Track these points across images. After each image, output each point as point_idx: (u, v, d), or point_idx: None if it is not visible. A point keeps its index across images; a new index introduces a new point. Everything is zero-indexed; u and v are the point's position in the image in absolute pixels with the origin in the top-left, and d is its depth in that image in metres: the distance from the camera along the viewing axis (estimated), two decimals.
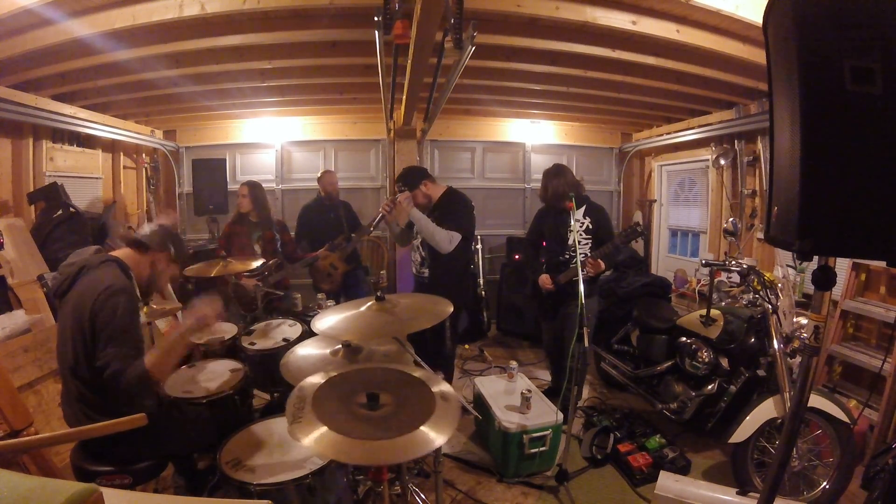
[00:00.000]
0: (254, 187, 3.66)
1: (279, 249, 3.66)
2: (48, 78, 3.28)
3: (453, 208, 2.95)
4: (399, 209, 2.90)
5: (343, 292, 4.01)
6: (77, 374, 1.61)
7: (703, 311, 2.87)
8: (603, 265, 2.85)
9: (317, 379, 1.49)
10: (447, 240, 2.82)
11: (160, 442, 1.70)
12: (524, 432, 2.50)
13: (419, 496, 2.15)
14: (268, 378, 2.46)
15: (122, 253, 1.82)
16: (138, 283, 1.81)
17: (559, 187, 2.99)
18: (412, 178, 2.97)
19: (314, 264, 3.79)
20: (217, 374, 2.18)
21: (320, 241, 3.96)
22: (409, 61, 2.35)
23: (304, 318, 2.91)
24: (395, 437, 1.25)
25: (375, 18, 1.98)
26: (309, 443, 1.21)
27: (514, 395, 2.77)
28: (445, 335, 2.98)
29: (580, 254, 2.44)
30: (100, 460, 1.63)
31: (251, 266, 2.96)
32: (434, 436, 1.27)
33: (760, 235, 4.01)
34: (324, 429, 1.24)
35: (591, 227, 3.01)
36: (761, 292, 2.59)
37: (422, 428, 1.28)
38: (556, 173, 3.06)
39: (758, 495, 1.53)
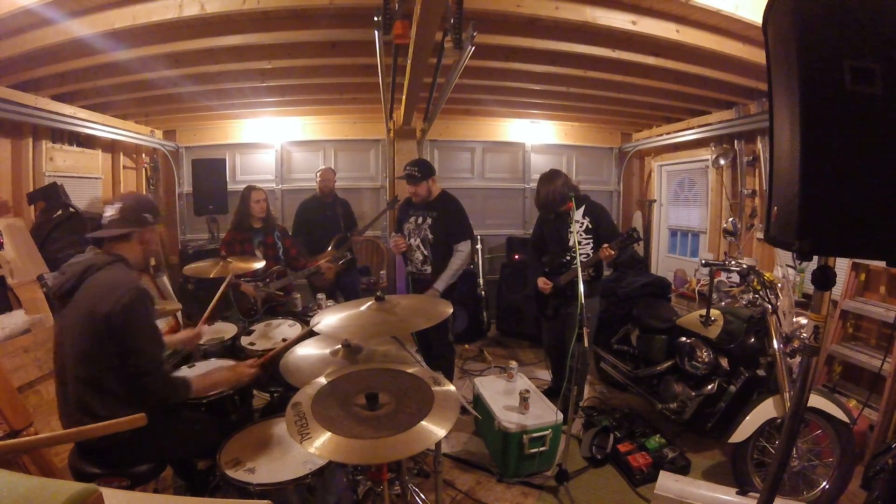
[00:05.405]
0: (267, 193, 3.65)
1: (280, 256, 3.63)
2: (48, 78, 3.28)
3: (458, 217, 3.09)
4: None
5: (339, 291, 3.98)
6: (79, 376, 1.59)
7: (703, 311, 2.86)
8: (614, 252, 2.75)
9: (310, 390, 1.49)
10: (467, 256, 3.06)
11: (159, 443, 1.69)
12: (524, 432, 2.50)
13: (419, 496, 2.14)
14: (268, 378, 2.45)
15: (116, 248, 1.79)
16: (136, 266, 1.80)
17: (550, 193, 3.00)
18: (426, 169, 3.05)
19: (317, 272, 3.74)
20: None
21: (316, 239, 3.94)
22: (409, 61, 2.34)
23: (304, 318, 2.91)
24: (396, 433, 1.26)
25: (375, 18, 1.98)
26: (314, 449, 1.21)
27: (514, 395, 2.77)
28: (448, 330, 3.12)
29: (581, 254, 2.43)
30: (98, 463, 1.62)
31: (252, 266, 2.94)
32: (434, 430, 1.27)
33: (760, 235, 4.00)
34: (326, 434, 1.25)
35: (590, 226, 3.01)
36: (761, 292, 2.59)
37: (422, 423, 1.29)
38: (548, 179, 3.05)
39: (758, 495, 1.52)
